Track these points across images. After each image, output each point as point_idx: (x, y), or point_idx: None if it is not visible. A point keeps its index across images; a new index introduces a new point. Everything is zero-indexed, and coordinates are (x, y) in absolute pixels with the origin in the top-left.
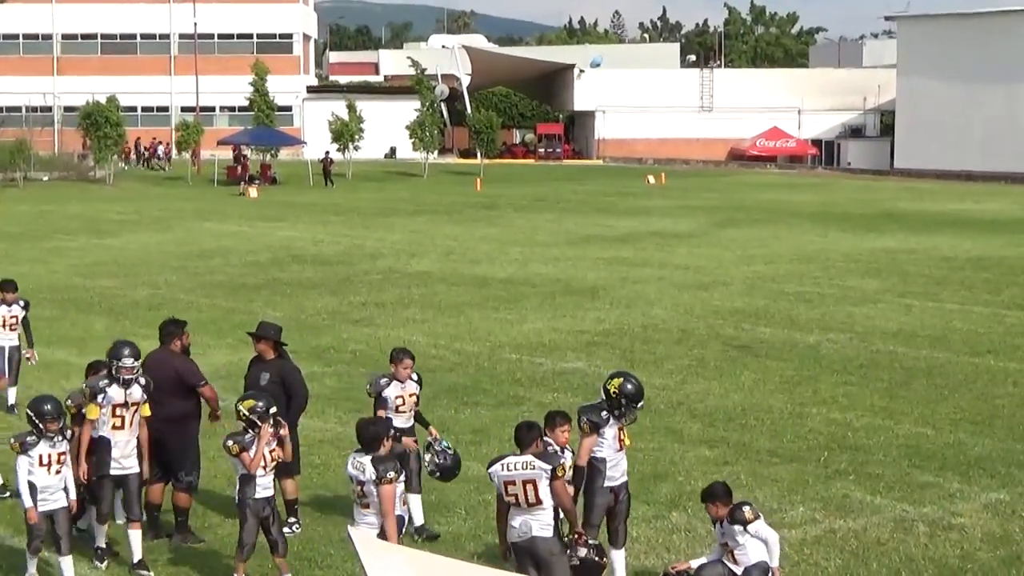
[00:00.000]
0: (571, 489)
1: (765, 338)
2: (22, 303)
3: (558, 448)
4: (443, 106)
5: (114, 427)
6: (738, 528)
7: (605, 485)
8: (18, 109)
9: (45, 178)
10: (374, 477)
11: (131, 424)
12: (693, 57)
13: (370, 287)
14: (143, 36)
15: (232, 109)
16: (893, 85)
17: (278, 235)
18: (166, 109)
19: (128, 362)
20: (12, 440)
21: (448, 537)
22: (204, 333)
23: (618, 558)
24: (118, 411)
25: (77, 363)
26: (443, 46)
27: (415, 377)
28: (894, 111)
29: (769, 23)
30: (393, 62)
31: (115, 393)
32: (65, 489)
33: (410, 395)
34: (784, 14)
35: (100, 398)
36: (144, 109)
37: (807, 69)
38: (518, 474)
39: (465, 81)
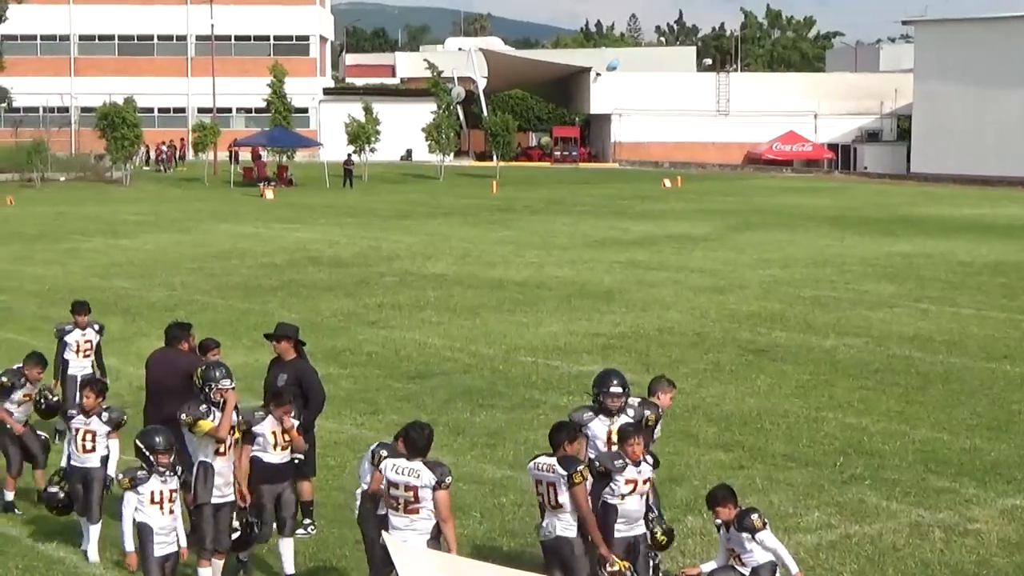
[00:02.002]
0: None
1: (781, 342)
2: (96, 327)
3: (629, 461)
4: (459, 109)
5: (216, 453)
6: (745, 536)
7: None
8: (35, 110)
9: (62, 179)
10: (433, 482)
11: (231, 449)
12: (709, 61)
13: (386, 289)
14: (160, 37)
15: (248, 111)
16: (910, 89)
17: (294, 237)
18: (183, 110)
19: (226, 383)
20: (121, 476)
21: (463, 540)
22: (220, 334)
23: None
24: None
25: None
26: (459, 49)
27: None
28: (911, 115)
29: (786, 27)
30: (409, 64)
31: (218, 418)
32: (176, 531)
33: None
34: (801, 18)
35: (211, 420)
36: (161, 110)
37: (824, 73)
38: (543, 475)
39: (481, 84)
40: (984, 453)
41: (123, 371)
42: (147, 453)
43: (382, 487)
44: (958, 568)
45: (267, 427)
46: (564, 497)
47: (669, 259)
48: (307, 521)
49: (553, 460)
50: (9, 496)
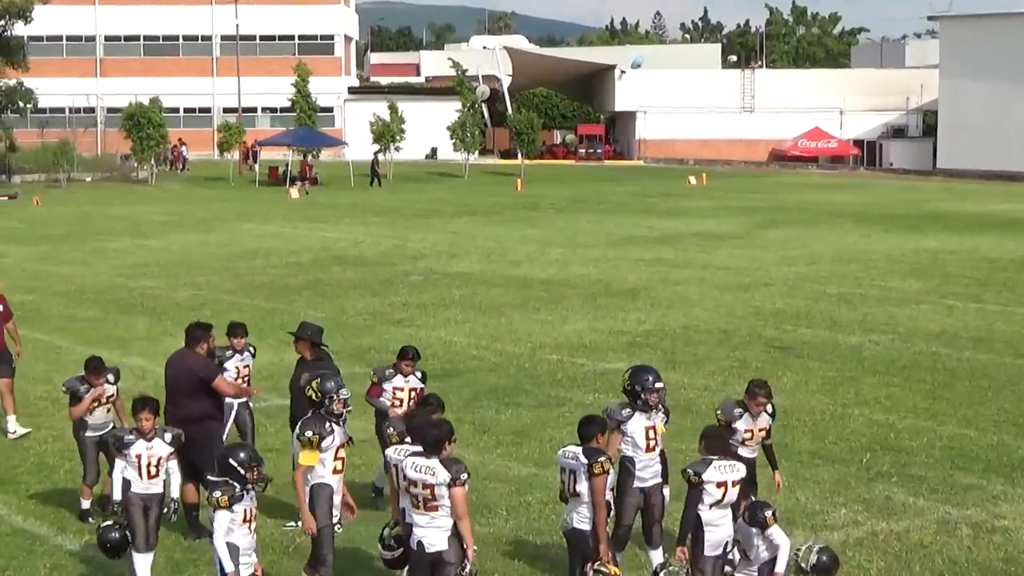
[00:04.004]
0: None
1: (807, 339)
2: (252, 350)
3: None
4: (484, 107)
5: (335, 471)
6: (755, 530)
7: (635, 486)
8: (62, 110)
9: (88, 179)
10: (447, 479)
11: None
12: (734, 57)
13: (411, 288)
14: (185, 38)
15: (274, 110)
16: (936, 85)
17: (320, 236)
18: (208, 110)
19: (344, 393)
20: (218, 493)
21: (489, 538)
22: None
23: (655, 557)
24: (340, 452)
25: (121, 364)
26: (484, 47)
27: (770, 409)
28: (937, 111)
29: (811, 23)
30: (434, 63)
31: (339, 435)
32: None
33: (760, 429)
34: (826, 14)
35: (328, 442)
36: (186, 110)
37: (849, 69)
38: (568, 463)
39: (506, 82)
40: (1011, 450)
41: (149, 371)
42: (241, 470)
43: (402, 484)
44: (986, 565)
45: None
46: (582, 487)
47: (694, 257)
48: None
49: (579, 449)
50: (85, 504)
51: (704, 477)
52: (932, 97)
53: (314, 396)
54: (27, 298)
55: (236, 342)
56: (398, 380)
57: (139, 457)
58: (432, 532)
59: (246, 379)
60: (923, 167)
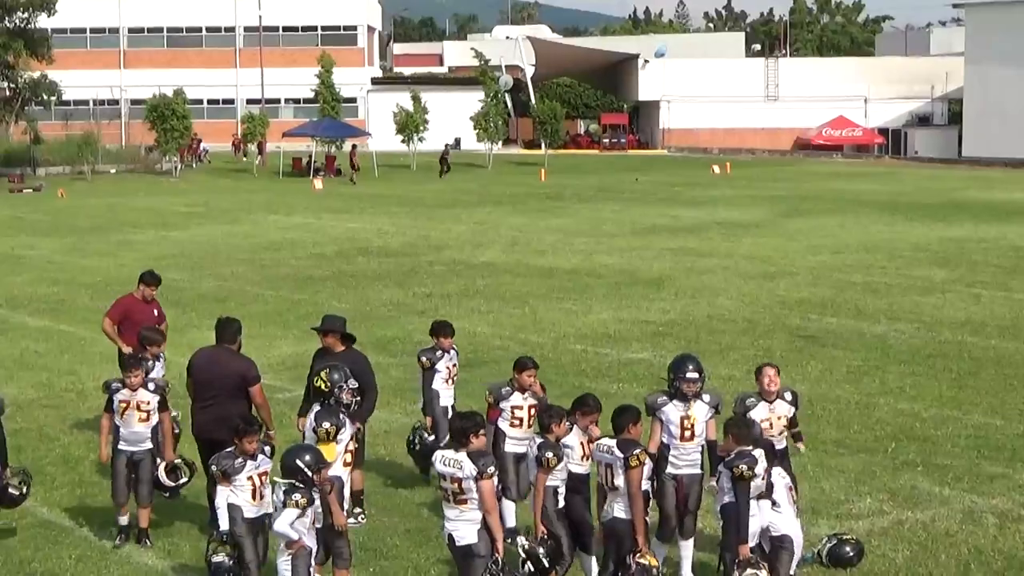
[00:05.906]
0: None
1: (832, 328)
2: (455, 350)
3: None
4: (507, 97)
5: (345, 463)
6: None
7: (668, 471)
8: (86, 102)
9: (113, 171)
10: (474, 473)
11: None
12: (758, 46)
13: (435, 278)
14: (208, 29)
15: (297, 101)
16: (961, 73)
17: (344, 227)
18: (232, 102)
19: (353, 383)
20: (298, 496)
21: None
22: (270, 325)
23: (685, 547)
24: (351, 446)
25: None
26: (507, 37)
27: (789, 397)
28: (962, 99)
29: (835, 12)
30: (457, 53)
31: (348, 427)
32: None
33: (779, 417)
34: (850, 2)
35: (342, 434)
36: (210, 102)
37: (874, 58)
38: (603, 456)
39: (529, 72)
40: None
41: (173, 362)
42: (308, 472)
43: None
44: (1012, 554)
45: (574, 439)
46: (620, 480)
47: (719, 246)
48: (357, 510)
49: (613, 442)
50: (123, 520)
51: (756, 471)
52: (957, 85)
53: (323, 387)
54: (53, 290)
55: (444, 342)
56: (516, 398)
57: (250, 479)
58: (462, 525)
59: (454, 379)
60: (949, 155)
